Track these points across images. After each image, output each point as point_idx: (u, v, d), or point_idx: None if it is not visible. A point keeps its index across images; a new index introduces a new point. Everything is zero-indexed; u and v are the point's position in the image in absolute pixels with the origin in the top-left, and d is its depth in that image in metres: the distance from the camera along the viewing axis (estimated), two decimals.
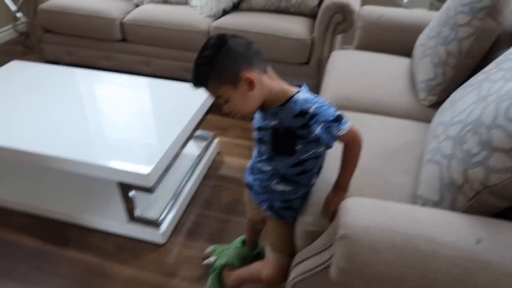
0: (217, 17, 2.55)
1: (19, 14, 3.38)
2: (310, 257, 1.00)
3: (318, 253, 0.97)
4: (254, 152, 1.15)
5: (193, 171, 1.88)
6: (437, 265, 0.76)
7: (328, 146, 0.99)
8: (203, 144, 2.03)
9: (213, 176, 1.99)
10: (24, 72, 2.03)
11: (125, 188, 1.50)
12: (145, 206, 1.66)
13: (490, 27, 1.34)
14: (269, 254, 1.21)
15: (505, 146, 0.79)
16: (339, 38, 2.35)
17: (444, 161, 0.96)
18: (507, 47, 1.28)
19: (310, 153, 1.02)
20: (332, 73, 1.84)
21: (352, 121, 1.01)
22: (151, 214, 1.62)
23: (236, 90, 0.93)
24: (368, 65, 1.86)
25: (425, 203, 0.99)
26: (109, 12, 2.57)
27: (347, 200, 0.90)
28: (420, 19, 1.94)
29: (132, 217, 1.61)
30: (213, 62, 0.91)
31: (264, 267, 1.22)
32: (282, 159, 1.04)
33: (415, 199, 1.07)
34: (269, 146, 1.04)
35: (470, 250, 0.76)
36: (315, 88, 2.38)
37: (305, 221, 1.06)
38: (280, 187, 1.09)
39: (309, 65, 2.38)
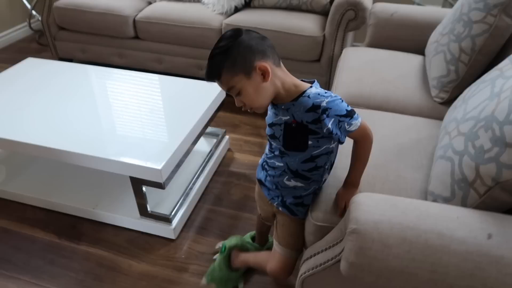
0: (229, 14, 2.56)
1: (34, 12, 3.44)
2: (320, 252, 1.01)
3: (328, 248, 0.98)
4: (266, 149, 1.16)
5: (204, 168, 1.90)
6: (447, 259, 0.76)
7: (340, 141, 0.99)
8: (214, 140, 2.05)
9: (223, 173, 2.00)
10: (39, 69, 2.06)
11: (137, 183, 1.52)
12: (156, 201, 1.68)
13: (505, 23, 1.33)
14: (276, 247, 1.22)
15: None
16: (350, 35, 2.34)
17: (456, 157, 0.95)
18: None
19: (322, 148, 1.02)
20: (344, 70, 1.83)
21: (364, 118, 1.01)
22: (163, 210, 1.64)
23: (249, 80, 0.94)
24: (380, 62, 1.85)
25: (436, 199, 0.99)
26: (122, 10, 2.60)
27: (358, 195, 0.90)
28: (433, 16, 1.92)
29: (144, 213, 1.63)
30: (228, 51, 0.92)
31: (270, 260, 1.24)
32: (294, 154, 1.05)
33: (426, 195, 1.07)
34: (281, 141, 1.05)
35: (481, 245, 0.76)
36: (326, 86, 2.38)
37: (316, 217, 1.07)
38: (292, 183, 1.10)
39: (320, 62, 2.37)
